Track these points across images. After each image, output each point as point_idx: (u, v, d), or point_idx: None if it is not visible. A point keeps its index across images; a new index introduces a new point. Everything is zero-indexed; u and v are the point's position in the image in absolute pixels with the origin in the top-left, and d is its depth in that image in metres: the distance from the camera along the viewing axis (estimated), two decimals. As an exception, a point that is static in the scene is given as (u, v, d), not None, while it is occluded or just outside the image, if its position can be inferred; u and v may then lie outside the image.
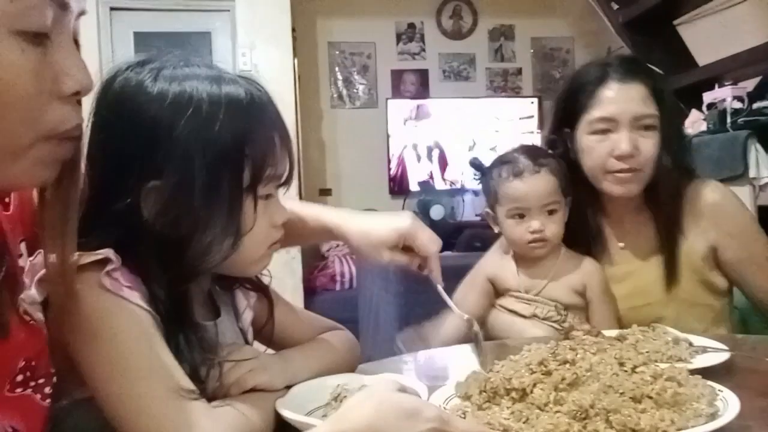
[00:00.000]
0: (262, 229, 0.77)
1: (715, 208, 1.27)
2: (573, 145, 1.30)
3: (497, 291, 1.26)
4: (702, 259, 1.26)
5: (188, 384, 0.67)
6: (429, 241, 0.94)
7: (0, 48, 0.51)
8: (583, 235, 1.30)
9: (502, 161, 1.27)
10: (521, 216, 1.21)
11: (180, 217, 0.71)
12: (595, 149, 1.24)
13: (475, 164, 1.31)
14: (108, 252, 0.68)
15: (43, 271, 0.64)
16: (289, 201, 0.87)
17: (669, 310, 1.25)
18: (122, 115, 0.71)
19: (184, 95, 0.71)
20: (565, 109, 1.31)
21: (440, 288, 0.93)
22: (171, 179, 0.70)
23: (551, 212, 1.21)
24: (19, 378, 0.62)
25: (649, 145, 1.22)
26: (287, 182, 0.81)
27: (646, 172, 1.24)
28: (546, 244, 1.22)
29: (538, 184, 1.20)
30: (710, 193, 1.28)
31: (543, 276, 1.23)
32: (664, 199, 1.27)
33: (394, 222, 0.94)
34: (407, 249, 0.94)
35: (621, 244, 1.33)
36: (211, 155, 0.71)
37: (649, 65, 1.33)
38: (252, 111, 0.74)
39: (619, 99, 1.22)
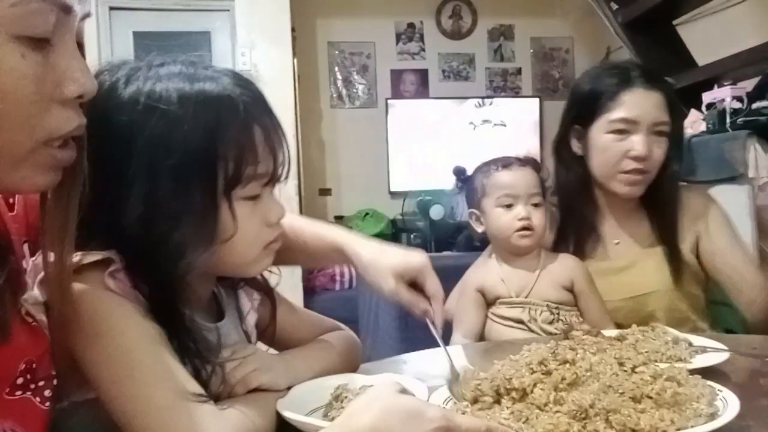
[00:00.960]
0: (253, 229, 0.75)
1: (700, 206, 1.39)
2: (584, 143, 1.38)
3: (487, 301, 1.27)
4: (690, 251, 1.36)
5: (195, 387, 0.66)
6: (438, 284, 0.92)
7: (0, 53, 0.51)
8: (577, 233, 1.39)
9: (486, 162, 1.32)
10: (509, 206, 1.25)
11: (154, 221, 0.69)
12: (611, 148, 1.33)
13: (458, 170, 1.36)
14: (110, 253, 0.68)
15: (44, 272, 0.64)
16: (292, 217, 0.85)
17: (665, 300, 1.33)
18: (94, 120, 0.66)
19: (153, 96, 0.69)
20: (582, 107, 1.39)
21: (437, 335, 0.90)
22: (143, 184, 0.68)
23: (535, 205, 1.26)
24: (20, 381, 0.62)
25: (659, 150, 1.33)
26: (276, 180, 0.77)
27: (652, 174, 1.34)
28: (532, 235, 1.24)
29: (525, 175, 1.27)
30: (696, 196, 1.42)
31: (529, 277, 1.25)
32: (666, 200, 1.38)
33: (409, 255, 0.93)
34: (413, 289, 0.92)
35: (616, 241, 1.41)
36: (179, 157, 0.68)
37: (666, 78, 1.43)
38: (225, 107, 0.71)
39: (643, 103, 1.32)
